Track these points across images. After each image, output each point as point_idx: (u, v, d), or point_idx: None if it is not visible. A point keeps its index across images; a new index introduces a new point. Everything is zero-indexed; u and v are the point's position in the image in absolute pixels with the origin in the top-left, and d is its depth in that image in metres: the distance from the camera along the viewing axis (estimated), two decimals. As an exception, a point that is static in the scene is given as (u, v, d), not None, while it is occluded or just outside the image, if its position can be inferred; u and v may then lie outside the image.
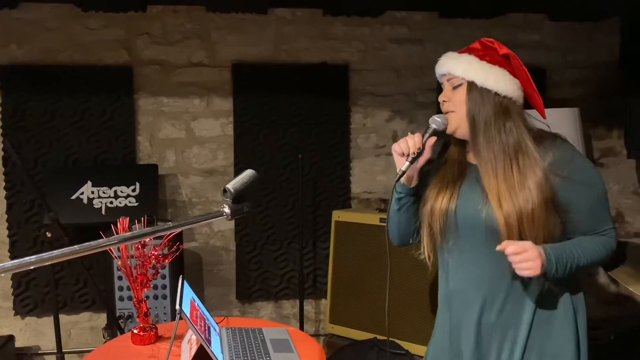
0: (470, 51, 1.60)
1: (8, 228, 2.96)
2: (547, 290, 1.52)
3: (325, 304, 3.09)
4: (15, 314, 3.01)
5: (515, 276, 1.48)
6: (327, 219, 3.14)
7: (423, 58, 3.29)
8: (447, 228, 1.59)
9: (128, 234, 1.05)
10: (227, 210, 1.14)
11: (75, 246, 0.98)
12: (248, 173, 1.19)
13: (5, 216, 2.96)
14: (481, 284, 1.56)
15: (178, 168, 3.15)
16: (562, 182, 1.48)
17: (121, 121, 3.04)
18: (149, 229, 1.06)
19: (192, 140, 3.15)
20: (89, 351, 1.87)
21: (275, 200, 3.19)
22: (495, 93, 1.52)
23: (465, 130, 1.57)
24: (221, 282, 3.21)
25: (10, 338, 2.92)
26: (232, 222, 3.18)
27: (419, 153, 1.55)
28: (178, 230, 1.17)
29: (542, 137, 1.53)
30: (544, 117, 1.57)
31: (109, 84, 3.01)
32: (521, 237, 1.46)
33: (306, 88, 3.18)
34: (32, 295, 2.99)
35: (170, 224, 1.08)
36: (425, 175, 1.64)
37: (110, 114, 3.03)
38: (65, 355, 2.52)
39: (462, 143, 1.64)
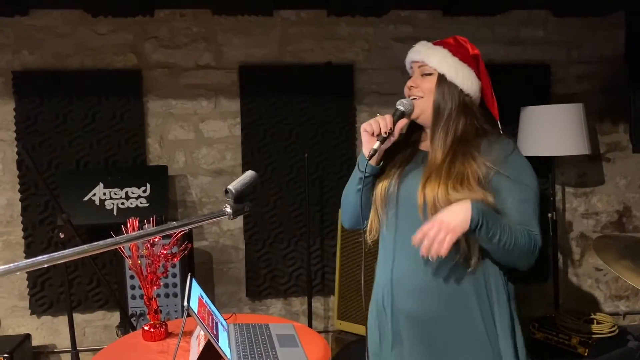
0: (445, 45, 1.67)
1: (23, 230, 3.04)
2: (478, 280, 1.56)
3: (333, 300, 3.14)
4: (32, 314, 3.09)
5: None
6: (334, 216, 3.18)
7: (427, 56, 3.30)
8: (388, 207, 1.66)
9: (134, 233, 1.11)
10: (228, 209, 1.19)
11: (85, 246, 1.04)
12: (248, 174, 1.24)
13: (21, 218, 3.04)
14: (416, 265, 1.60)
15: (187, 169, 3.21)
16: (497, 176, 1.55)
17: (131, 124, 3.11)
18: (154, 228, 1.11)
19: (201, 141, 3.21)
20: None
21: (283, 199, 3.23)
22: (461, 90, 1.63)
23: (428, 118, 1.66)
24: (231, 280, 3.27)
25: (27, 337, 3.00)
26: (241, 222, 3.23)
27: (389, 133, 1.60)
28: (182, 229, 1.22)
29: (486, 133, 1.62)
30: (497, 119, 1.67)
31: (118, 88, 3.08)
32: None
33: (312, 88, 3.22)
34: (47, 295, 3.06)
35: (174, 223, 1.13)
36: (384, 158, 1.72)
37: (120, 116, 3.09)
38: (80, 353, 2.59)
39: (419, 131, 1.73)
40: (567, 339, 2.71)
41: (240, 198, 1.19)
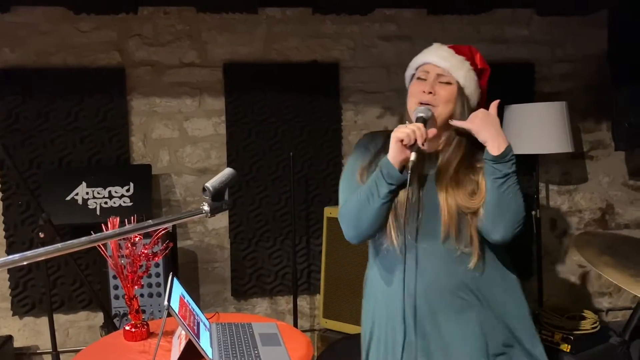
0: (465, 55, 1.67)
1: (5, 229, 3.00)
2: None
3: (319, 299, 3.14)
4: (14, 315, 3.05)
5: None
6: (320, 215, 3.17)
7: (412, 55, 3.18)
8: (410, 215, 1.61)
9: (110, 231, 1.09)
10: (206, 207, 1.18)
11: (59, 244, 1.02)
12: (227, 172, 1.23)
13: (2, 218, 3.00)
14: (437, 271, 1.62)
15: (172, 167, 3.19)
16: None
17: (114, 122, 3.08)
18: (130, 226, 1.10)
19: (185, 139, 3.19)
20: (84, 349, 1.93)
21: (269, 198, 3.22)
22: (470, 101, 1.66)
23: (439, 126, 1.63)
24: (216, 279, 3.25)
25: (9, 338, 2.96)
26: (226, 220, 3.22)
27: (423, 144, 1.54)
28: (159, 227, 1.21)
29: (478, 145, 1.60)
30: None
31: (101, 86, 3.05)
32: (459, 229, 1.57)
33: (297, 86, 3.22)
34: (29, 295, 3.03)
35: (150, 221, 1.11)
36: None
37: (104, 115, 3.06)
38: (63, 354, 2.57)
39: None
40: (551, 335, 2.73)
41: (218, 196, 1.18)
